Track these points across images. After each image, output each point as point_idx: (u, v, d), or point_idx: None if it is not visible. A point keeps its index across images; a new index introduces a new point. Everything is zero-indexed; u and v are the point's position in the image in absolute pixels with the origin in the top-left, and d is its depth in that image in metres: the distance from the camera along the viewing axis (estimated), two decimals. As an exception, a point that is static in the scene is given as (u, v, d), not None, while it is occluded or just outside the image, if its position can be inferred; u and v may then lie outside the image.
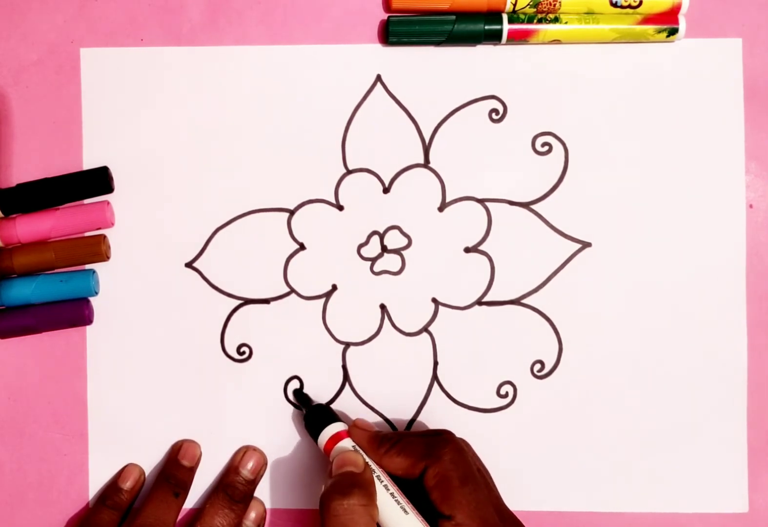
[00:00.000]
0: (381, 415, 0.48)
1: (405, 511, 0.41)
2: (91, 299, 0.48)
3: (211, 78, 0.48)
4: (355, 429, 0.44)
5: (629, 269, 0.48)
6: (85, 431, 0.48)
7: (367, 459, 0.43)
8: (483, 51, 0.47)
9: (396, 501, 0.41)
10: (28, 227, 0.46)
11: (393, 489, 0.41)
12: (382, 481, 0.42)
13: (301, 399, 0.47)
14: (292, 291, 0.48)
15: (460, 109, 0.48)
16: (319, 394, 0.48)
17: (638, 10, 0.46)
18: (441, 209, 0.48)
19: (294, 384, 0.48)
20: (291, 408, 0.48)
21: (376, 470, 0.42)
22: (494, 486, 0.44)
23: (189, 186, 0.48)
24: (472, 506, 0.40)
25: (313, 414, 0.45)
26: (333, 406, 0.48)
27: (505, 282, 0.47)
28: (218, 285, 0.48)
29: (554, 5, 0.46)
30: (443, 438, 0.42)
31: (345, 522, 0.40)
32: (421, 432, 0.44)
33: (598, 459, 0.48)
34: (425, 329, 0.48)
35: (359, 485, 0.41)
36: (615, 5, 0.46)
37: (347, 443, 0.44)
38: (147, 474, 0.48)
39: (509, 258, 0.47)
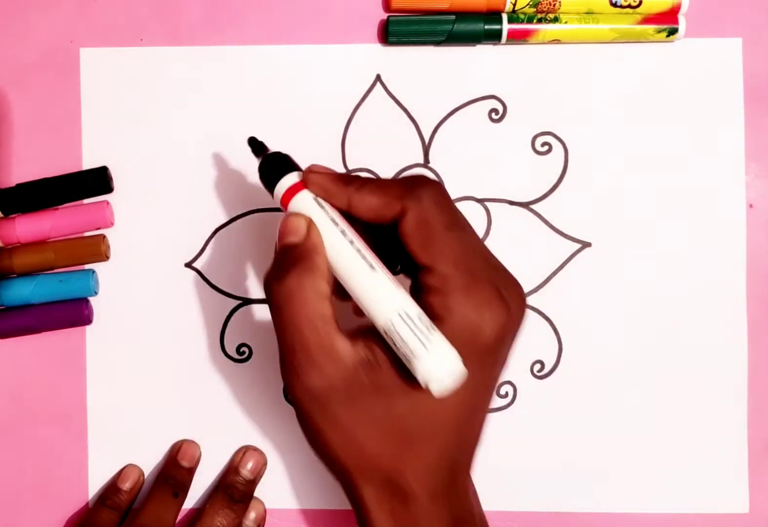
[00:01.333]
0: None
1: (373, 268, 0.34)
2: (91, 299, 0.48)
3: (211, 78, 0.48)
4: (311, 174, 0.36)
5: (629, 269, 0.48)
6: (85, 431, 0.48)
7: (320, 215, 0.35)
8: (483, 51, 0.47)
9: (363, 257, 0.34)
10: (28, 227, 0.46)
11: (359, 243, 0.35)
12: (346, 235, 0.35)
13: (255, 147, 0.39)
14: (292, 291, 0.48)
15: (459, 108, 0.48)
16: (318, 394, 0.48)
17: (638, 9, 0.46)
18: (441, 209, 0.48)
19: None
20: (291, 408, 0.48)
21: (338, 222, 0.35)
22: (478, 237, 0.37)
23: (189, 186, 0.48)
24: (456, 254, 0.34)
25: (268, 163, 0.37)
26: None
27: (505, 282, 0.47)
28: (218, 285, 0.48)
29: (554, 5, 0.46)
30: (423, 178, 0.35)
31: (285, 312, 0.34)
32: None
33: (597, 459, 0.48)
34: (425, 329, 0.48)
35: (297, 260, 0.34)
36: (615, 5, 0.46)
37: (302, 197, 0.36)
38: (147, 474, 0.48)
39: (509, 258, 0.46)
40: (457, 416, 0.34)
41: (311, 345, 0.34)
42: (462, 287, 0.33)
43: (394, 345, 0.33)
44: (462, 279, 0.33)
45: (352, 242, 0.35)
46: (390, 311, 0.33)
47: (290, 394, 0.35)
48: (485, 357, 0.34)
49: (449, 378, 0.32)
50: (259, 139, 0.39)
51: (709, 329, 0.48)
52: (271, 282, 0.35)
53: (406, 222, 0.34)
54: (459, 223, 0.35)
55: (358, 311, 0.35)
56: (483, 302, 0.33)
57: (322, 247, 0.35)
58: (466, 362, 0.32)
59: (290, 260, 0.35)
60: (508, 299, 0.34)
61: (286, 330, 0.34)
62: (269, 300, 0.35)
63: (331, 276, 0.35)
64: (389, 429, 0.34)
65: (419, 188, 0.35)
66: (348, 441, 0.34)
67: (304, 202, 0.36)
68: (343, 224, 0.35)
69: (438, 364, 0.32)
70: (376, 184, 0.36)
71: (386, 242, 0.36)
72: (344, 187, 0.35)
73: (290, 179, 0.37)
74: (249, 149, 0.39)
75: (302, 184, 0.36)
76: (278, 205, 0.37)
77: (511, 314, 0.34)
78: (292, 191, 0.36)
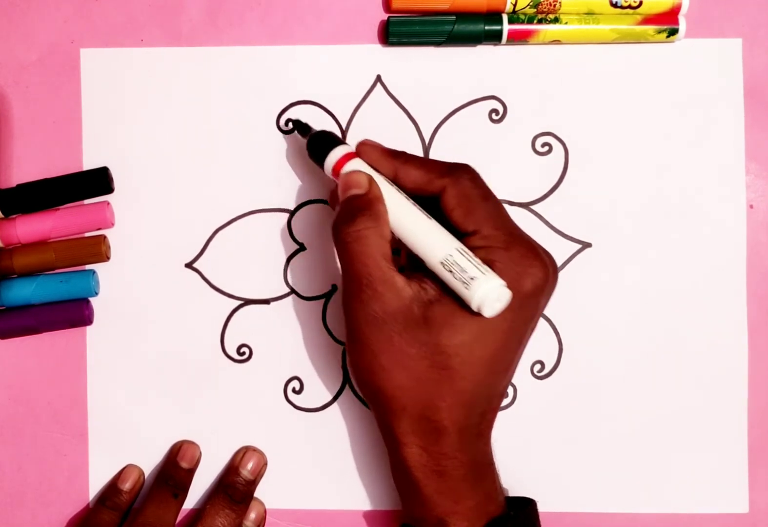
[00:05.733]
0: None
1: (429, 218, 0.39)
2: (91, 299, 0.48)
3: (211, 78, 0.48)
4: (364, 146, 0.42)
5: (629, 269, 0.48)
6: (85, 431, 0.48)
7: (377, 176, 0.41)
8: (483, 51, 0.47)
9: (419, 209, 0.39)
10: (28, 227, 0.46)
11: (412, 201, 0.40)
12: (401, 193, 0.40)
13: (300, 127, 0.44)
14: (292, 291, 0.48)
15: (460, 109, 0.48)
16: (319, 394, 0.48)
17: (638, 10, 0.46)
18: (441, 209, 0.48)
19: (294, 384, 0.48)
20: (291, 408, 0.48)
21: (393, 185, 0.40)
22: None
23: (189, 186, 0.48)
24: (497, 218, 0.39)
25: (317, 139, 0.43)
26: (333, 407, 0.48)
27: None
28: (218, 285, 0.48)
29: (554, 5, 0.46)
30: (454, 163, 0.41)
31: (354, 250, 0.39)
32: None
33: (597, 459, 0.48)
34: (425, 329, 0.48)
35: (363, 207, 0.39)
36: (615, 5, 0.46)
37: (356, 163, 0.41)
38: (147, 474, 0.48)
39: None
40: (491, 355, 0.39)
41: (375, 278, 0.39)
42: (503, 243, 0.39)
43: (452, 275, 0.37)
44: (503, 236, 0.39)
45: (408, 198, 0.40)
46: (449, 247, 0.38)
47: (351, 320, 0.40)
48: (522, 304, 0.38)
49: (500, 301, 0.37)
50: (302, 120, 0.44)
51: (709, 329, 0.48)
52: (341, 225, 0.39)
53: (448, 196, 0.40)
54: (493, 196, 0.40)
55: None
56: (523, 256, 0.39)
57: (383, 199, 0.40)
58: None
59: (357, 207, 0.39)
60: (544, 256, 0.39)
61: (354, 265, 0.39)
62: (338, 241, 0.40)
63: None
64: (433, 360, 0.38)
65: (457, 169, 0.40)
66: (395, 366, 0.39)
67: (359, 166, 0.41)
68: (396, 186, 0.41)
69: (492, 288, 0.36)
70: (420, 160, 0.41)
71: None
72: (392, 159, 0.41)
73: (342, 149, 0.42)
74: (293, 125, 0.45)
75: (353, 154, 0.41)
76: (329, 175, 0.42)
77: (547, 270, 0.39)
78: (345, 159, 0.41)
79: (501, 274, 0.38)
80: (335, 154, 0.42)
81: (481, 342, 0.38)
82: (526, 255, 0.39)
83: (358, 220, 0.39)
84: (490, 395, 0.41)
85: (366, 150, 0.42)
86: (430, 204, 0.40)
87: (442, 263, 0.38)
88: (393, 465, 0.42)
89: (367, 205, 0.40)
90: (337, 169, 0.41)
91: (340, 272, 0.40)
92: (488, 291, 0.36)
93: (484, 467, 0.42)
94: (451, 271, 0.37)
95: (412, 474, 0.40)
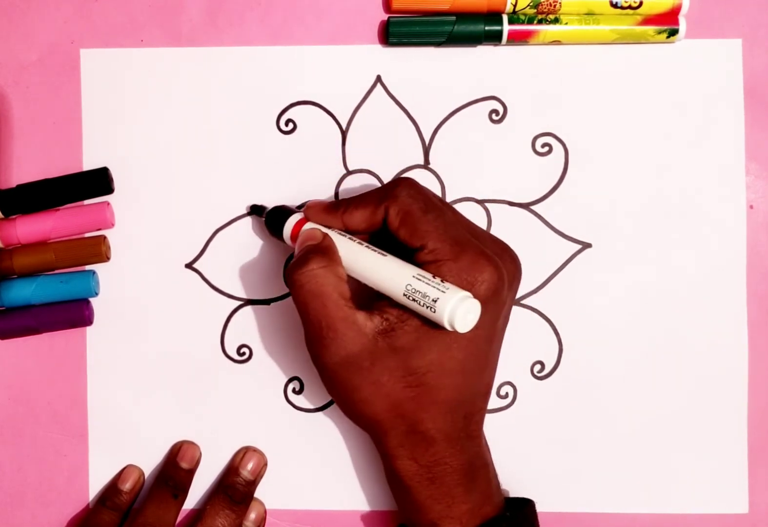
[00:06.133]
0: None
1: (383, 254, 0.40)
2: (91, 300, 0.48)
3: (211, 78, 0.48)
4: (309, 209, 0.43)
5: (629, 269, 0.48)
6: (85, 431, 0.48)
7: (328, 231, 0.42)
8: (483, 52, 0.47)
9: (372, 250, 0.40)
10: (28, 228, 0.46)
11: (365, 244, 0.41)
12: (354, 240, 0.41)
13: (256, 210, 0.47)
14: (292, 291, 0.48)
15: (460, 109, 0.48)
16: (319, 395, 0.48)
17: (638, 10, 0.46)
18: (441, 210, 0.48)
19: (294, 384, 0.48)
20: (291, 408, 0.48)
21: (345, 235, 0.42)
22: (462, 215, 0.43)
23: (189, 187, 0.48)
24: (440, 230, 0.39)
25: (273, 215, 0.45)
26: (333, 407, 0.48)
27: (505, 283, 0.47)
28: (218, 286, 0.48)
29: (554, 6, 0.46)
30: (394, 181, 0.42)
31: (309, 291, 0.39)
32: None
33: (597, 459, 0.48)
34: (425, 329, 0.48)
35: (318, 252, 0.40)
36: (615, 6, 0.46)
37: (309, 225, 0.43)
38: (147, 474, 0.48)
39: (509, 258, 0.47)
40: (462, 362, 0.40)
41: (336, 319, 0.39)
42: (450, 254, 0.39)
43: (416, 302, 0.38)
44: (448, 248, 0.39)
45: (360, 243, 0.41)
46: (407, 277, 0.38)
47: (319, 364, 0.40)
48: (485, 310, 0.39)
49: (471, 312, 0.37)
50: (258, 203, 0.47)
51: (709, 329, 0.48)
52: (295, 268, 0.40)
53: (391, 218, 0.40)
54: (433, 206, 0.40)
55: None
56: (471, 263, 0.39)
57: (335, 247, 0.41)
58: None
59: (311, 253, 0.40)
60: (494, 257, 0.39)
61: (311, 307, 0.40)
62: (293, 286, 0.40)
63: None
64: (407, 381, 0.39)
65: (394, 188, 0.41)
66: (374, 395, 0.40)
67: (311, 227, 0.43)
68: (346, 235, 0.42)
69: (457, 303, 0.37)
70: (358, 198, 0.42)
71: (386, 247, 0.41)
72: (335, 211, 0.42)
73: (296, 217, 0.44)
74: (249, 210, 0.47)
75: (304, 220, 0.43)
76: (289, 244, 0.43)
77: (500, 271, 0.39)
78: (298, 225, 0.43)
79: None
80: (290, 223, 0.43)
81: (449, 355, 0.39)
82: (475, 262, 0.39)
83: (312, 261, 0.40)
84: (471, 397, 0.41)
85: (311, 212, 0.43)
86: (387, 233, 0.41)
87: (405, 295, 0.38)
88: (386, 473, 0.43)
89: (321, 250, 0.40)
90: (294, 235, 0.43)
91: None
92: (454, 307, 0.37)
93: (478, 469, 0.42)
94: (415, 300, 0.38)
95: (405, 483, 0.41)
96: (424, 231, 0.39)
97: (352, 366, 0.39)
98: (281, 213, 0.44)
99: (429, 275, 0.38)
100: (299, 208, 0.46)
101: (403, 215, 0.40)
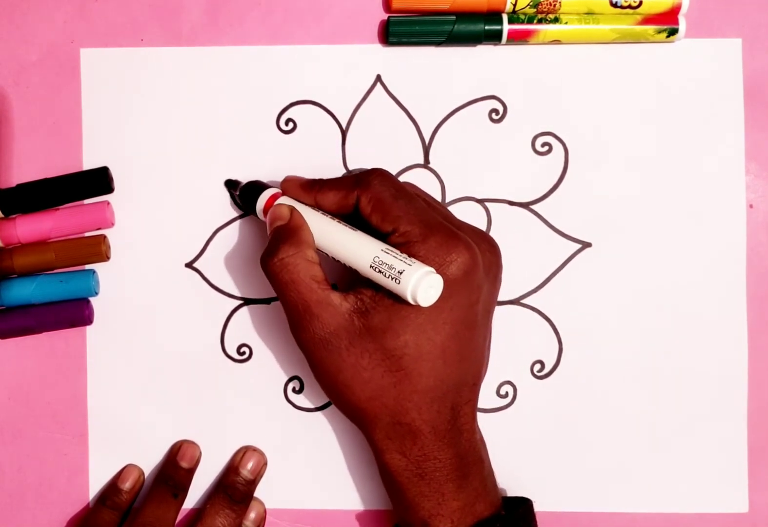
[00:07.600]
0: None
1: (353, 229, 0.41)
2: (91, 299, 0.48)
3: (211, 78, 0.48)
4: (286, 183, 0.44)
5: (629, 269, 0.48)
6: (85, 431, 0.48)
7: (300, 206, 0.43)
8: (483, 51, 0.47)
9: (342, 224, 0.41)
10: (28, 227, 0.46)
11: (336, 219, 0.42)
12: (326, 215, 0.42)
13: (231, 184, 0.47)
14: (292, 291, 0.48)
15: (460, 109, 0.48)
16: (319, 394, 0.48)
17: (638, 10, 0.46)
18: (441, 209, 0.48)
19: (294, 384, 0.48)
20: (291, 408, 0.48)
21: (318, 210, 0.43)
22: (439, 205, 0.45)
23: (189, 186, 0.48)
24: (410, 214, 0.40)
25: (246, 190, 0.46)
26: (333, 407, 0.48)
27: (505, 283, 0.47)
28: (218, 285, 0.48)
29: (554, 5, 0.46)
30: (368, 170, 0.42)
31: (283, 279, 0.40)
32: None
33: (597, 459, 0.48)
34: (425, 329, 0.48)
35: (286, 236, 0.41)
36: (615, 5, 0.46)
37: (281, 200, 0.44)
38: (147, 474, 0.48)
39: (509, 258, 0.47)
40: (441, 346, 0.40)
41: (310, 301, 0.40)
42: (419, 236, 0.39)
43: (383, 274, 0.39)
44: (418, 230, 0.39)
45: (332, 218, 0.42)
46: (374, 249, 0.39)
47: (302, 348, 0.41)
48: (454, 291, 0.39)
49: (433, 288, 0.38)
50: (233, 178, 0.47)
51: (709, 329, 0.48)
52: (266, 257, 0.41)
53: (363, 204, 0.41)
54: (404, 193, 0.41)
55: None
56: (441, 244, 0.39)
57: (306, 224, 0.42)
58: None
59: (280, 238, 0.41)
60: (466, 238, 0.40)
61: (287, 293, 0.40)
62: (268, 273, 0.41)
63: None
64: (386, 365, 0.40)
65: (366, 176, 0.42)
66: (354, 381, 0.40)
67: (284, 202, 0.43)
68: (319, 210, 0.43)
69: (421, 276, 0.38)
70: (333, 181, 0.43)
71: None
72: (310, 189, 0.43)
73: (269, 192, 0.44)
74: (225, 186, 0.48)
75: (279, 194, 0.44)
76: (263, 218, 0.44)
77: (473, 251, 0.40)
78: (272, 199, 0.44)
79: None
80: (263, 197, 0.44)
81: (425, 336, 0.39)
82: (445, 242, 0.39)
83: (281, 250, 0.40)
84: (456, 386, 0.41)
85: (287, 186, 0.44)
86: (359, 219, 0.42)
87: (371, 266, 0.39)
88: (379, 470, 0.43)
89: (288, 233, 0.41)
90: (266, 209, 0.44)
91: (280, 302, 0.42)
92: (418, 280, 0.38)
93: (470, 465, 0.42)
94: (380, 271, 0.39)
95: (395, 479, 0.41)
96: (395, 216, 0.40)
97: (330, 344, 0.40)
98: (255, 188, 0.45)
99: (397, 251, 0.39)
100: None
101: (375, 202, 0.41)
